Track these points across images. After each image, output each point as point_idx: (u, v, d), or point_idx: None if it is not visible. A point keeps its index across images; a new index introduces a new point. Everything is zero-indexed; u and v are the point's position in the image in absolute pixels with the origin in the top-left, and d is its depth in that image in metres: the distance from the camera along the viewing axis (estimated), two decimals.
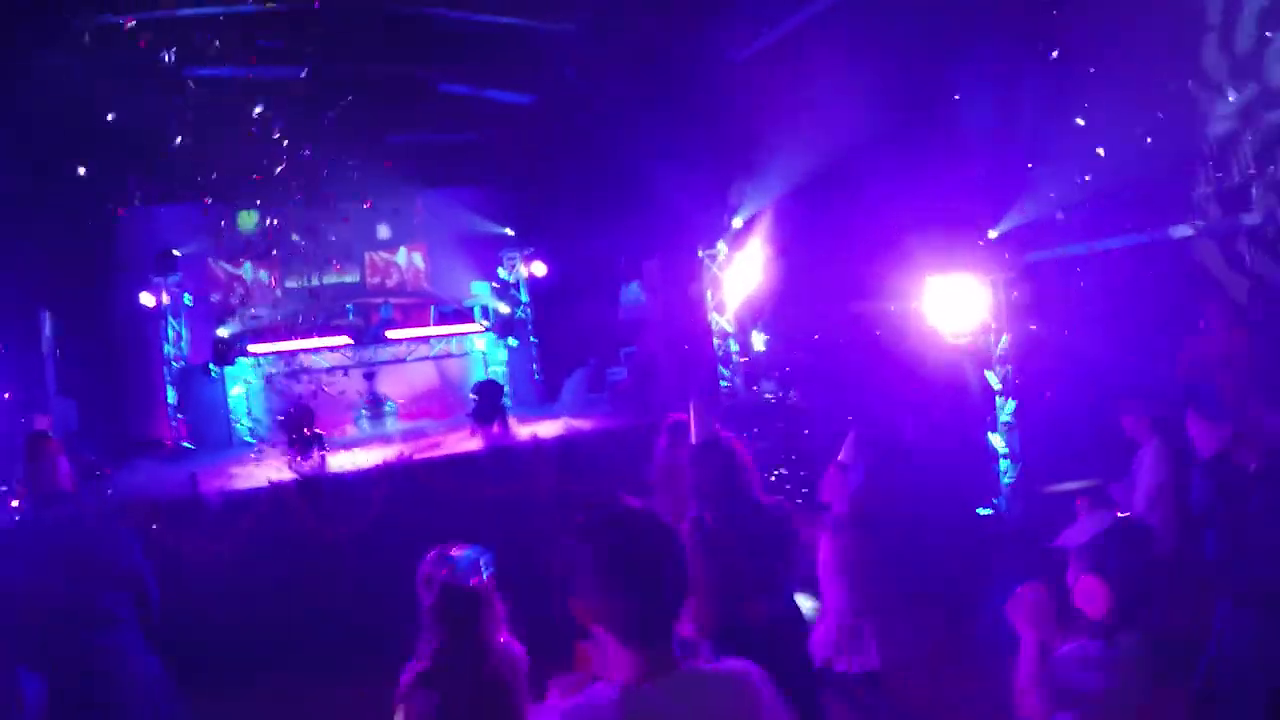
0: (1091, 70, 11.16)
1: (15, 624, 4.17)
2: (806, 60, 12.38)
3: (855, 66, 11.48)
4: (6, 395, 11.19)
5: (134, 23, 11.14)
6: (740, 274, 14.16)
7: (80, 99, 11.08)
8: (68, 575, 4.25)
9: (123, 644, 4.39)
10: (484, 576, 3.88)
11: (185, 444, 13.65)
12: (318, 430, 12.43)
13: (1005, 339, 11.62)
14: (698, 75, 13.26)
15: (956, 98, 12.42)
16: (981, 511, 10.79)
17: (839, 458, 7.09)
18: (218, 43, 11.67)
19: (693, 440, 5.91)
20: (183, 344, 14.76)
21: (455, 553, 3.91)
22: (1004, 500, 10.94)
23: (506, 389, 14.42)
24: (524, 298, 17.08)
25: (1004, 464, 11.07)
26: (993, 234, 12.10)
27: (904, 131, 12.12)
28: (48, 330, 12.43)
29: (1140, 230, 10.95)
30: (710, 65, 13.36)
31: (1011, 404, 11.21)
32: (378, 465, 11.35)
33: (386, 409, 14.96)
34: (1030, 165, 11.77)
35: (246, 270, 15.72)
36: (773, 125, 12.85)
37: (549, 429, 12.95)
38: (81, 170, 12.20)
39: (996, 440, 11.14)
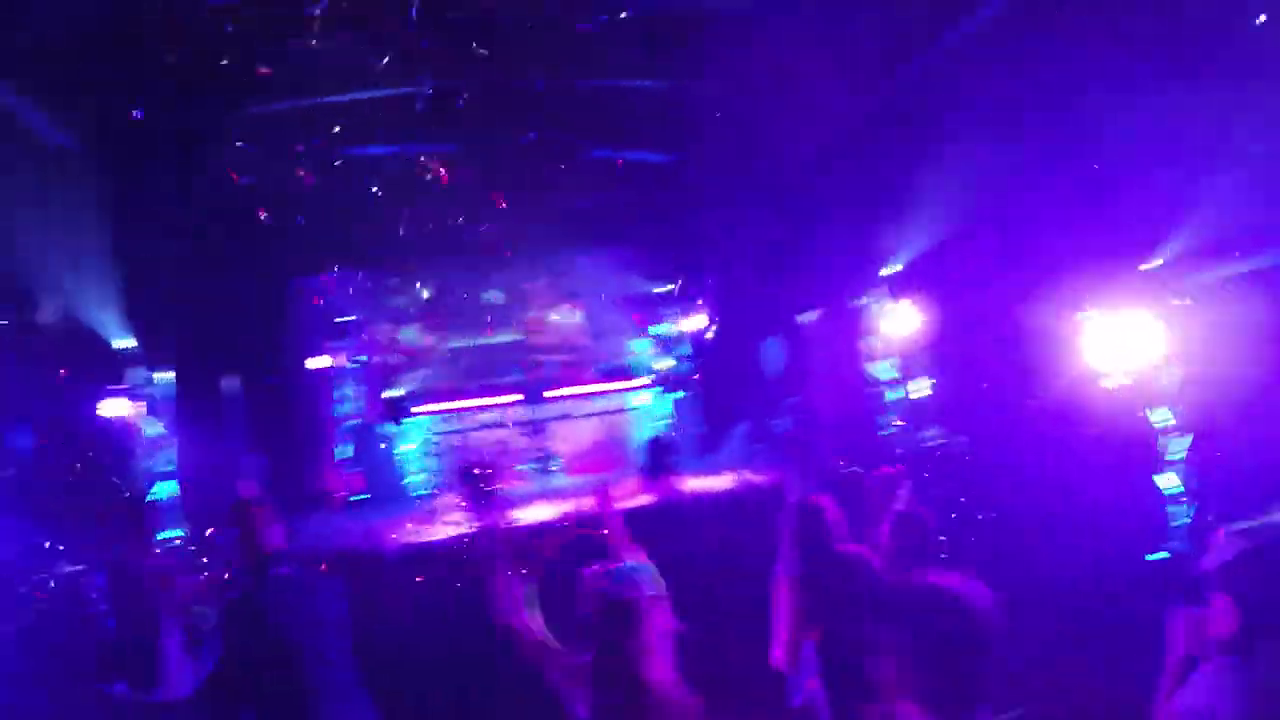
0: (1242, 79, 10.78)
1: (244, 681, 4.48)
2: (945, 93, 12.20)
3: (996, 96, 11.27)
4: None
5: (293, 109, 11.72)
6: (898, 320, 14.03)
7: (254, 177, 12.08)
8: (295, 629, 4.55)
9: (339, 683, 4.68)
10: (644, 591, 3.95)
11: (359, 497, 14.20)
12: (495, 485, 12.83)
13: (1175, 373, 11.28)
14: (836, 121, 13.24)
15: (1104, 122, 12.13)
16: (1154, 556, 10.46)
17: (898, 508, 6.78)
18: (373, 123, 12.21)
19: (790, 500, 6.75)
20: (355, 403, 15.52)
21: (615, 566, 4.03)
22: (1179, 542, 10.61)
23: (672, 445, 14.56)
24: (684, 351, 17.24)
25: (1178, 505, 10.72)
26: (1155, 263, 11.76)
27: (1054, 162, 11.88)
28: (233, 392, 13.27)
29: None
30: (847, 108, 13.30)
31: (1185, 440, 10.85)
32: (551, 519, 11.63)
33: (553, 465, 15.32)
34: (1191, 186, 11.39)
35: (411, 333, 16.31)
36: (919, 165, 12.71)
37: (716, 483, 13.05)
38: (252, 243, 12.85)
39: (1168, 480, 10.80)
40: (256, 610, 4.67)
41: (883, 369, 14.52)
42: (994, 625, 2.47)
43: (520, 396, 15.93)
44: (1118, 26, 10.46)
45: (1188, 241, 11.23)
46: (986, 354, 12.81)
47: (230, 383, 13.61)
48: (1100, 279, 11.64)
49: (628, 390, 16.81)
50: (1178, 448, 10.88)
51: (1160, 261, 11.50)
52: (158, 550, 10.49)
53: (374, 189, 13.12)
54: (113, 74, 9.77)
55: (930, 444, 13.37)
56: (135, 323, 11.94)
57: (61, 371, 11.07)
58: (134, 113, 10.57)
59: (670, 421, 16.68)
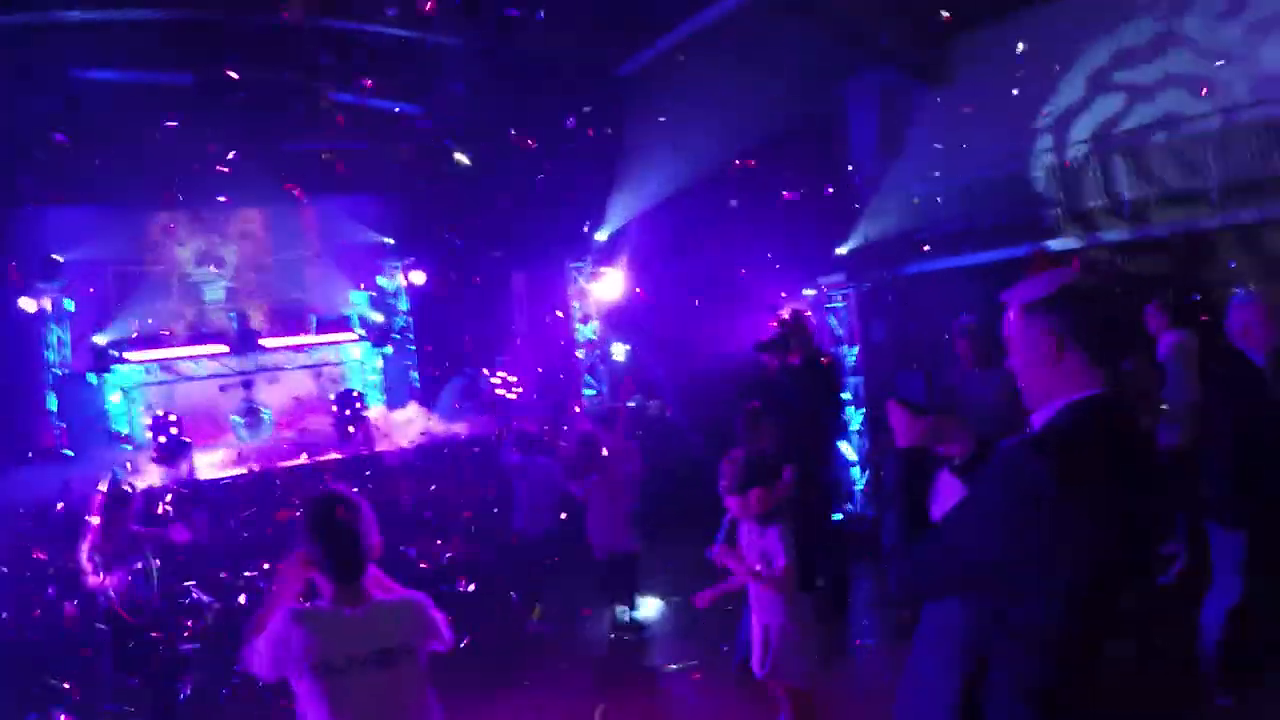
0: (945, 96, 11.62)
1: None
2: (674, 81, 12.69)
3: (718, 89, 11.83)
4: None
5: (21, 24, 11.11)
6: (605, 286, 14.44)
7: None
8: None
9: None
10: None
11: (65, 450, 13.61)
12: (185, 438, 12.53)
13: (855, 350, 12.02)
14: (578, 90, 13.51)
15: (823, 119, 12.83)
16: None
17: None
18: (107, 47, 11.70)
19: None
20: (64, 350, 15.05)
21: None
22: (857, 505, 11.49)
23: (376, 399, 14.57)
24: (403, 306, 17.24)
25: (854, 471, 11.54)
26: (841, 250, 12.50)
27: (762, 152, 12.47)
28: None
29: (988, 249, 11.32)
30: (591, 81, 13.60)
31: (860, 414, 11.66)
32: (242, 474, 11.53)
33: (264, 417, 15.11)
34: (877, 188, 12.21)
35: (124, 276, 15.66)
36: (644, 140, 13.12)
37: (411, 436, 13.18)
38: None
39: (847, 449, 11.61)
40: None
41: (593, 331, 14.88)
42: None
43: (230, 347, 15.61)
44: None
45: (869, 237, 11.99)
46: (680, 325, 13.28)
47: None
48: (796, 260, 12.25)
49: (342, 343, 16.85)
50: (855, 420, 11.61)
51: (844, 251, 12.18)
52: None
53: (103, 119, 12.41)
54: None
55: (632, 406, 13.78)
56: None
57: None
58: None
59: (382, 376, 16.59)
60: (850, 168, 12.91)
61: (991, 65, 11.40)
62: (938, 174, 11.78)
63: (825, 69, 12.33)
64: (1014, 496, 2.46)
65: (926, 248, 12.02)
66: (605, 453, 8.94)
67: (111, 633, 6.32)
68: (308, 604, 3.56)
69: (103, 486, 6.51)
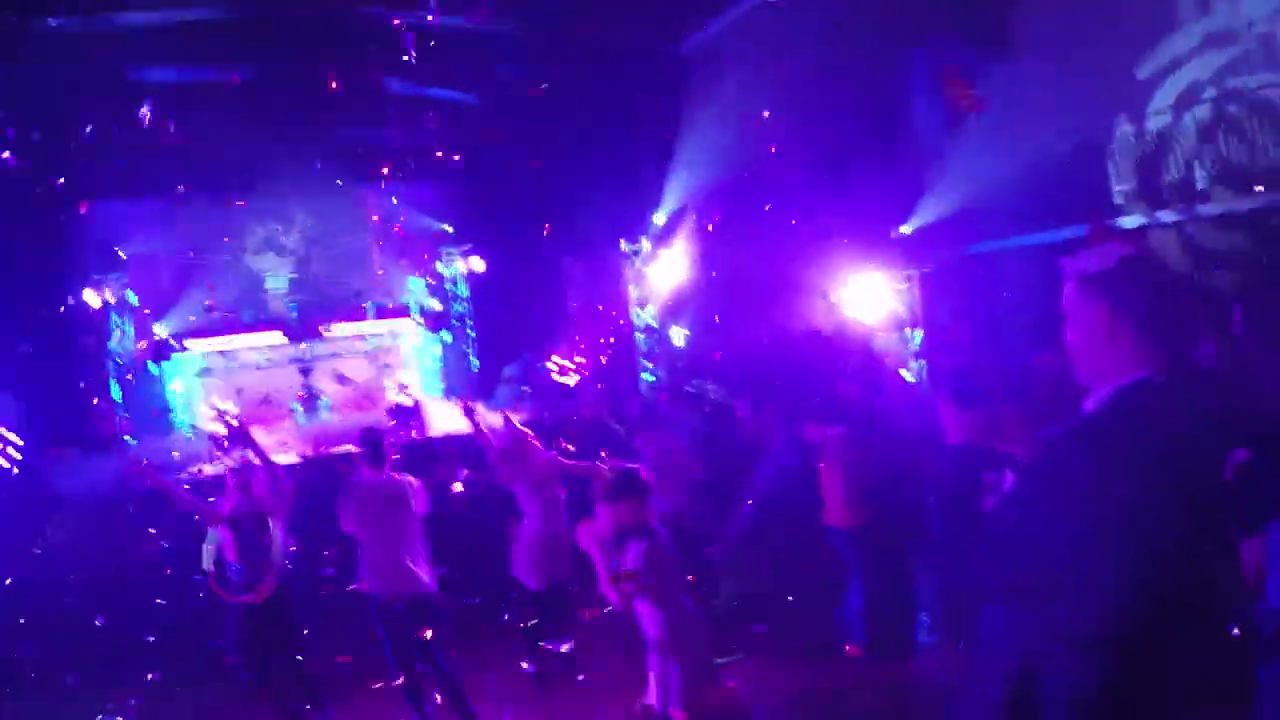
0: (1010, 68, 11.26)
1: None
2: (733, 59, 12.51)
3: (777, 66, 11.69)
4: None
5: (78, 28, 11.21)
6: (662, 270, 14.21)
7: (29, 100, 11.50)
8: None
9: None
10: None
11: (126, 438, 13.72)
12: (243, 424, 12.59)
13: (919, 335, 11.72)
14: (630, 72, 13.36)
15: (867, 98, 12.55)
16: None
17: None
18: (163, 48, 11.75)
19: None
20: (127, 341, 15.20)
21: None
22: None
23: (434, 386, 14.55)
24: (462, 292, 17.15)
25: None
26: (904, 230, 12.16)
27: (821, 131, 12.20)
28: None
29: (1058, 227, 10.93)
30: (642, 63, 13.46)
31: None
32: (299, 460, 11.53)
33: (321, 403, 15.13)
34: (940, 165, 11.88)
35: (183, 267, 15.76)
36: (699, 122, 12.92)
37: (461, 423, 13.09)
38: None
39: None
40: None
41: (650, 316, 14.68)
42: None
43: (289, 333, 15.76)
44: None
45: (932, 216, 11.67)
46: (746, 306, 13.07)
47: None
48: (854, 242, 11.99)
49: (401, 329, 16.66)
50: None
51: (907, 230, 11.90)
52: None
53: (158, 115, 12.48)
54: None
55: (687, 391, 13.56)
56: None
57: None
58: None
59: (441, 361, 16.58)
60: (911, 144, 12.62)
61: (1059, 33, 10.99)
62: (1003, 149, 11.41)
63: (885, 42, 12.07)
64: (1054, 489, 2.33)
65: (991, 226, 11.68)
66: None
67: None
68: None
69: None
